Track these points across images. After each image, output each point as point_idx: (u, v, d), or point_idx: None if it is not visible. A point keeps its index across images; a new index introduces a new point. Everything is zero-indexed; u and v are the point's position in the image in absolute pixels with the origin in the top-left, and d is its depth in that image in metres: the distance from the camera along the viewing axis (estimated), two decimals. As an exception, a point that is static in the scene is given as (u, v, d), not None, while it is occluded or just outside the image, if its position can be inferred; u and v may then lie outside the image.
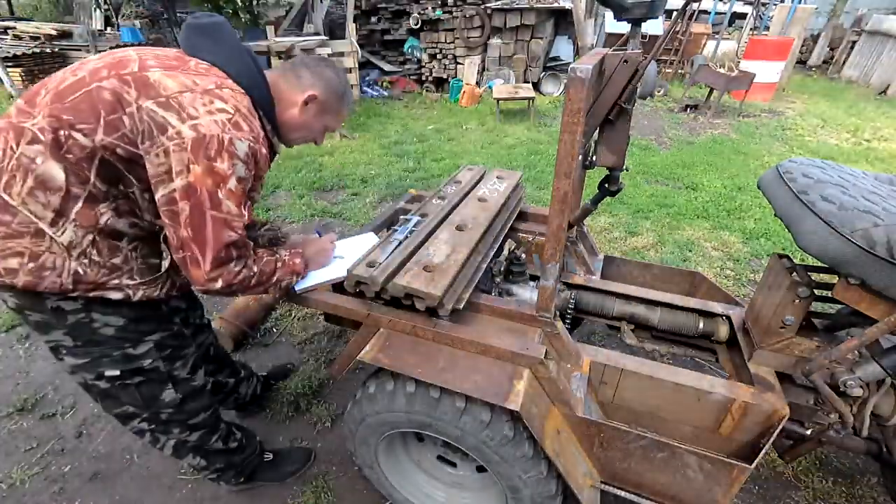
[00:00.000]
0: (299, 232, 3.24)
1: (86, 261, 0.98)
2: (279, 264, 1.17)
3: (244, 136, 0.95)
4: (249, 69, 1.04)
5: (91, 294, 1.02)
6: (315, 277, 1.33)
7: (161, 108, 0.89)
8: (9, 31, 7.05)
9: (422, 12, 6.90)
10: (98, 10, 8.99)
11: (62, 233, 0.95)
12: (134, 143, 0.91)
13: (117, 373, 1.13)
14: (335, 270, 1.34)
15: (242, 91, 1.01)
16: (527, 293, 1.49)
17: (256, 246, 1.44)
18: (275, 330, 2.36)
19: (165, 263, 1.10)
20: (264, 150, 1.02)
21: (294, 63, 1.14)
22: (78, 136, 0.89)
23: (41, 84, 0.96)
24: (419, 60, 7.43)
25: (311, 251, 1.34)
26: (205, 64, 1.00)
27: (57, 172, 0.90)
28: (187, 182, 0.90)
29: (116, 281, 1.03)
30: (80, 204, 0.94)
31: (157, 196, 0.94)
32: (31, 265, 0.95)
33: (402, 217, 1.41)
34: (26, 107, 0.93)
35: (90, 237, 0.97)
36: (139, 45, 7.19)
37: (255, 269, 1.09)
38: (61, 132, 0.89)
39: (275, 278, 1.15)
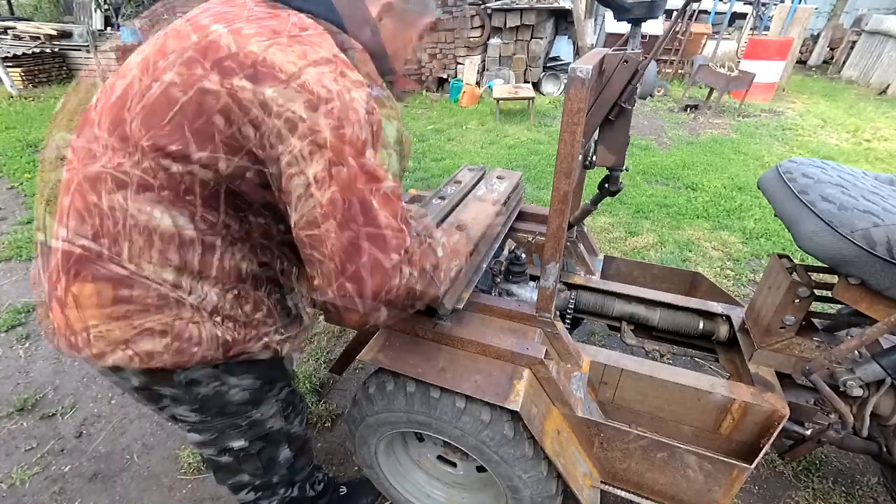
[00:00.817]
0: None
1: (230, 324, 0.80)
2: (442, 254, 0.91)
3: (361, 89, 0.68)
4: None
5: (240, 358, 0.84)
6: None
7: (282, 95, 0.64)
8: (9, 31, 7.05)
9: (422, 12, 6.89)
10: (98, 10, 8.99)
11: (204, 298, 0.76)
12: (261, 161, 0.68)
13: (244, 443, 0.98)
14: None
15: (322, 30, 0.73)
16: (527, 293, 1.49)
17: None
18: (275, 330, 2.36)
19: (302, 306, 0.92)
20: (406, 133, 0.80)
21: None
22: (195, 167, 0.67)
23: (106, 95, 0.72)
24: (419, 60, 7.42)
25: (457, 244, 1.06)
26: (295, 15, 0.72)
27: (183, 222, 0.70)
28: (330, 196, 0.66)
29: (266, 339, 0.85)
30: (216, 256, 0.75)
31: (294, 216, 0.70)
32: (175, 344, 0.76)
33: None
34: (112, 139, 0.69)
35: (233, 293, 0.79)
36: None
37: (428, 276, 0.82)
38: (174, 168, 0.67)
39: (442, 274, 0.88)
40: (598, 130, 1.20)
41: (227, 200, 0.72)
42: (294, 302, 0.93)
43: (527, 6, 6.39)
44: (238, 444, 0.98)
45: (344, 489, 1.53)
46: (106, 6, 9.08)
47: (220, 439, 0.96)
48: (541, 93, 6.97)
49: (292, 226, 0.70)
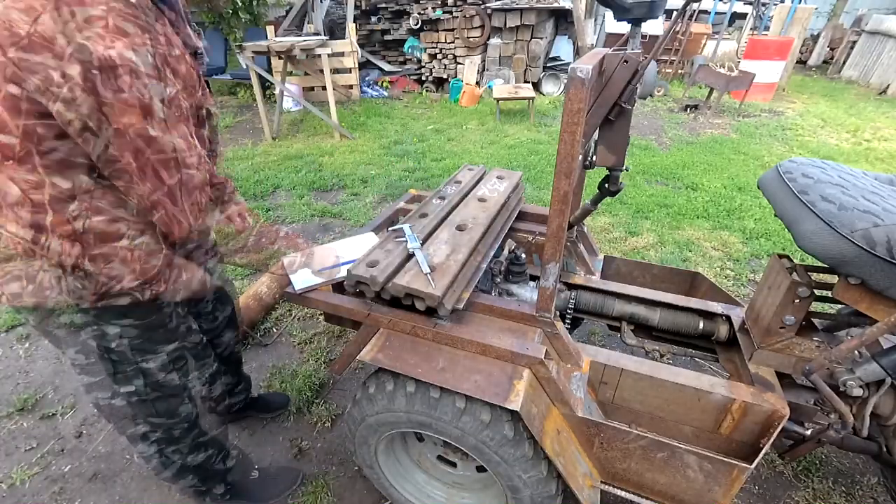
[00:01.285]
0: (300, 231, 3.24)
1: (81, 272, 0.88)
2: (281, 235, 1.18)
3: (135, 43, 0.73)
4: None
5: (100, 304, 0.93)
6: (315, 277, 1.33)
7: (27, 51, 0.69)
8: (9, 31, 7.02)
9: (422, 12, 6.90)
10: (98, 10, 8.97)
11: (47, 249, 0.84)
12: (46, 112, 0.73)
13: (132, 388, 1.07)
14: (335, 270, 1.34)
15: None
16: (527, 293, 1.49)
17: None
18: (275, 330, 2.36)
19: (156, 244, 0.95)
20: (175, 51, 0.82)
21: None
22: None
23: None
24: (419, 60, 7.43)
25: (314, 252, 1.35)
26: None
27: (5, 184, 0.79)
28: (114, 131, 0.74)
29: (120, 286, 0.92)
30: (50, 215, 0.82)
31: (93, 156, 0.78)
32: (29, 287, 0.88)
33: (393, 230, 1.38)
34: None
35: (78, 248, 0.86)
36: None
37: (250, 221, 1.09)
38: None
39: (276, 246, 1.16)
40: (598, 130, 1.20)
41: (41, 159, 0.78)
42: (152, 247, 0.96)
43: (527, 6, 6.38)
44: (127, 388, 1.06)
45: (256, 473, 1.56)
46: (106, 6, 9.05)
47: (108, 381, 1.04)
48: (541, 93, 6.97)
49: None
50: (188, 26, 0.94)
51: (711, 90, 6.16)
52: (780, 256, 1.20)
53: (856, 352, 1.04)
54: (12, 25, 0.69)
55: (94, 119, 0.73)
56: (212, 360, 1.25)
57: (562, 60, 6.93)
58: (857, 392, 1.06)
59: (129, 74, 0.72)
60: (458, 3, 6.72)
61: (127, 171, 0.79)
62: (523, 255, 1.52)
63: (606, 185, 1.31)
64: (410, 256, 1.25)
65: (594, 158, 1.25)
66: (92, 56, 0.69)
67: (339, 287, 1.34)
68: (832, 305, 1.20)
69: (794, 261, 1.20)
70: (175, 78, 0.82)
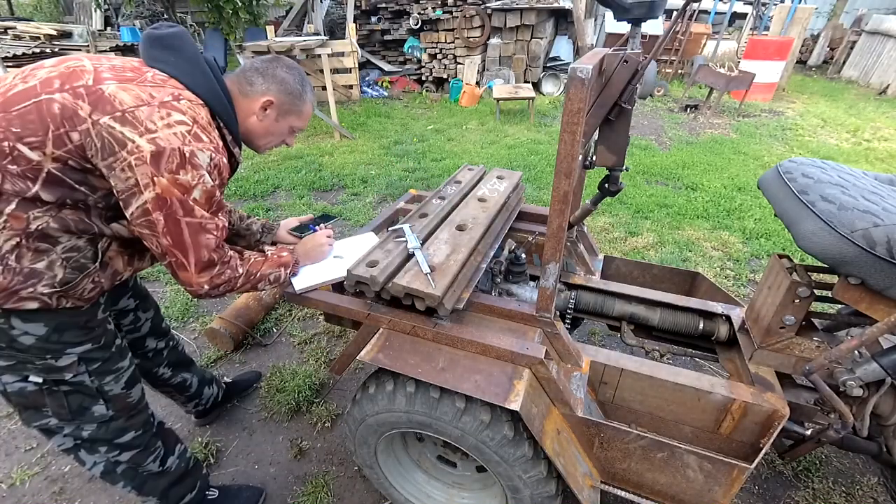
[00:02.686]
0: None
1: (0, 267, 0.92)
2: (266, 261, 1.21)
3: (205, 146, 0.96)
4: (208, 80, 1.04)
5: (6, 305, 0.95)
6: (315, 277, 1.33)
7: (118, 122, 0.89)
8: (9, 31, 7.04)
9: (422, 12, 6.90)
10: (98, 10, 8.99)
11: None
12: (86, 158, 0.91)
13: (41, 380, 1.07)
14: (335, 270, 1.35)
15: (201, 102, 1.02)
16: (527, 293, 1.49)
17: (249, 238, 1.46)
18: (275, 330, 2.36)
19: (93, 267, 1.03)
20: (225, 160, 1.03)
21: (244, 69, 1.13)
22: (24, 148, 0.87)
23: None
24: (419, 60, 7.43)
25: (304, 247, 1.37)
26: (162, 75, 0.99)
27: None
28: (156, 194, 0.92)
29: (30, 289, 0.95)
30: (12, 206, 0.90)
31: (130, 210, 0.95)
32: None
33: (393, 230, 1.38)
34: None
35: (14, 241, 0.92)
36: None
37: (242, 269, 1.13)
38: (5, 143, 0.87)
39: (260, 273, 1.18)
40: (598, 130, 1.20)
41: (48, 178, 0.90)
42: (95, 264, 1.04)
43: (527, 6, 6.39)
44: (35, 378, 1.06)
45: (215, 492, 1.51)
46: (106, 6, 9.08)
47: (19, 367, 1.04)
48: (541, 93, 6.97)
49: (129, 213, 0.96)
50: (239, 149, 1.18)
51: (711, 90, 6.16)
52: (780, 256, 1.20)
53: (856, 352, 1.04)
54: (116, 101, 0.90)
55: (143, 183, 0.91)
56: (128, 364, 1.22)
57: (562, 60, 6.93)
58: (857, 392, 1.06)
59: (191, 164, 0.94)
60: (458, 3, 6.72)
61: (155, 224, 0.95)
62: (523, 255, 1.52)
63: (606, 185, 1.31)
64: (410, 256, 1.25)
65: (594, 158, 1.25)
66: (168, 145, 0.91)
67: (339, 287, 1.34)
68: (832, 305, 1.20)
69: (794, 261, 1.20)
70: (219, 176, 1.03)
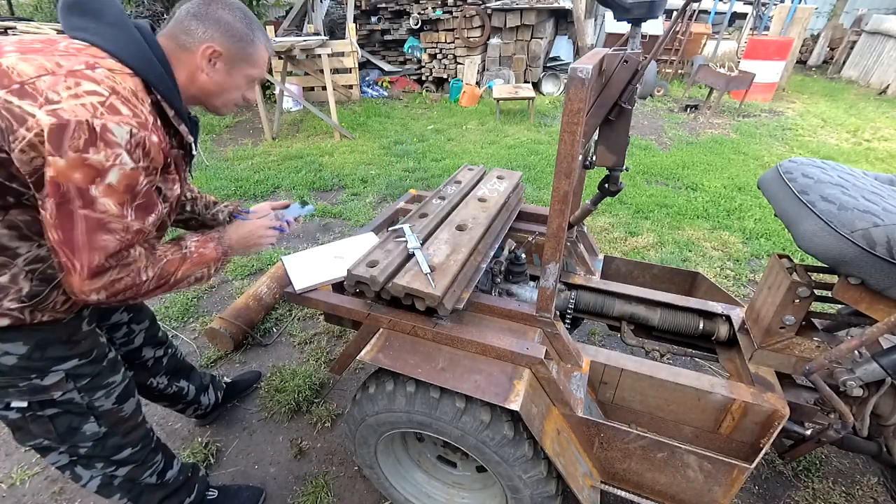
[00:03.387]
0: (299, 232, 3.24)
1: None
2: (184, 260, 1.02)
3: (123, 120, 0.80)
4: (137, 45, 0.88)
5: None
6: (315, 277, 1.33)
7: (15, 96, 0.75)
8: (9, 31, 7.04)
9: (422, 12, 6.90)
10: (98, 10, 8.97)
11: None
12: None
13: (25, 404, 0.99)
14: (335, 270, 1.35)
15: (128, 72, 0.86)
16: (527, 293, 1.49)
17: (203, 226, 1.31)
18: (275, 330, 2.36)
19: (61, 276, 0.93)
20: (154, 139, 0.85)
21: (178, 17, 0.94)
22: None
23: None
24: (419, 60, 7.43)
25: (237, 233, 1.18)
26: (79, 44, 0.85)
27: None
28: (50, 176, 0.77)
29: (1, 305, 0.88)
30: None
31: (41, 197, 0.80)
32: None
33: (393, 230, 1.38)
34: None
35: None
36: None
37: (151, 272, 0.93)
38: None
39: (180, 274, 1.00)
40: (598, 130, 1.20)
41: None
42: (48, 273, 0.93)
43: (527, 6, 6.39)
44: (19, 403, 0.99)
45: (214, 492, 1.50)
46: (106, 6, 9.06)
47: (1, 394, 0.97)
48: (541, 93, 6.97)
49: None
50: (186, 125, 1.00)
51: (711, 90, 6.16)
52: (780, 256, 1.20)
53: (856, 352, 1.04)
54: (14, 73, 0.77)
55: (44, 160, 0.77)
56: (121, 378, 1.16)
57: (562, 60, 6.93)
58: (857, 392, 1.06)
59: (103, 141, 0.78)
60: (458, 3, 6.72)
61: (46, 212, 0.80)
62: (523, 255, 1.52)
63: (606, 185, 1.31)
64: (410, 256, 1.25)
65: (594, 158, 1.25)
66: (73, 118, 0.76)
67: (339, 287, 1.34)
68: (832, 305, 1.20)
69: (794, 261, 1.20)
70: (146, 157, 0.85)
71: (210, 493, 1.49)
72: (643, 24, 1.08)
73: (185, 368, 1.64)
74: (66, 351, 1.02)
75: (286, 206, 1.37)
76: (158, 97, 0.91)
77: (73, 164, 0.76)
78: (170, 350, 1.55)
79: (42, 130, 0.75)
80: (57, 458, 1.11)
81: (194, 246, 1.05)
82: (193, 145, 1.05)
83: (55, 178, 0.77)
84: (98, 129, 0.77)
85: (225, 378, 1.97)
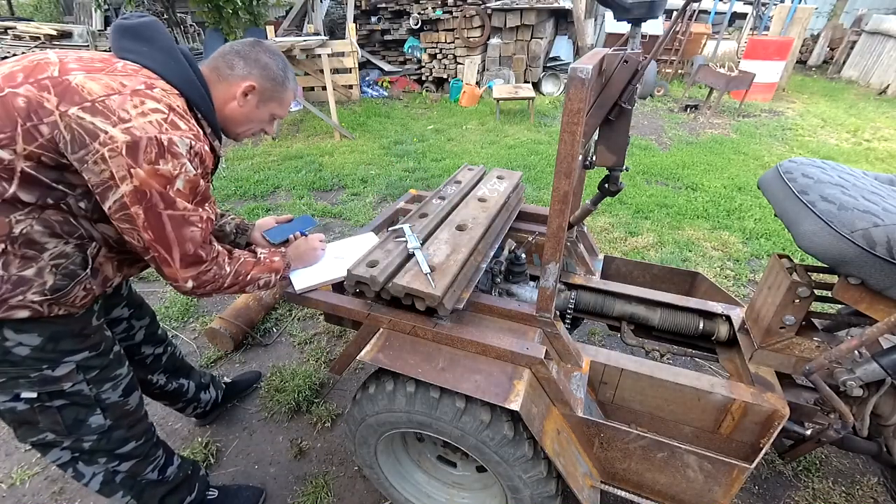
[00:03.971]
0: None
1: None
2: (257, 264, 1.17)
3: (184, 134, 0.92)
4: (182, 69, 1.00)
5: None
6: (315, 277, 1.33)
7: (88, 113, 0.84)
8: (9, 31, 7.04)
9: (422, 12, 6.90)
10: (98, 11, 8.99)
11: None
12: (59, 152, 0.86)
13: (34, 395, 1.03)
14: (335, 270, 1.35)
15: (176, 92, 0.98)
16: (527, 293, 1.49)
17: (222, 239, 1.41)
18: (275, 330, 2.36)
19: (84, 274, 0.99)
20: (207, 148, 0.99)
21: (224, 52, 1.09)
22: None
23: None
24: (419, 60, 7.43)
25: (297, 251, 1.35)
26: (133, 65, 0.96)
27: None
28: (133, 187, 0.87)
29: (20, 297, 0.92)
30: None
31: (107, 204, 0.90)
32: None
33: (393, 230, 1.38)
34: None
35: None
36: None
37: (229, 268, 1.09)
38: None
39: (250, 276, 1.14)
40: (598, 130, 1.20)
41: (23, 178, 0.86)
42: (85, 271, 1.00)
43: (527, 6, 6.39)
44: (28, 394, 1.02)
45: (214, 492, 1.50)
46: (106, 6, 9.08)
47: (10, 385, 1.00)
48: (541, 93, 6.97)
49: (107, 208, 0.91)
50: (219, 142, 1.14)
51: (711, 90, 6.16)
52: (780, 256, 1.20)
53: (856, 352, 1.04)
54: (84, 91, 0.85)
55: (120, 176, 0.86)
56: (126, 371, 1.19)
57: (562, 60, 6.93)
58: (857, 392, 1.06)
59: (170, 153, 0.89)
60: (458, 3, 6.72)
61: (134, 219, 0.91)
62: (523, 255, 1.52)
63: (606, 185, 1.31)
64: (410, 256, 1.25)
65: (594, 158, 1.25)
66: (144, 134, 0.86)
67: (339, 287, 1.34)
68: (832, 305, 1.20)
69: (794, 261, 1.19)
70: (202, 165, 0.98)
71: (210, 492, 1.50)
72: (643, 24, 1.08)
73: (184, 367, 1.65)
74: (77, 343, 1.06)
75: (289, 220, 1.52)
76: (199, 115, 1.04)
77: (150, 174, 0.87)
78: (169, 348, 1.56)
79: (117, 146, 0.84)
80: (59, 454, 1.13)
81: (265, 255, 1.22)
82: (220, 158, 1.19)
83: (139, 186, 0.88)
84: (165, 143, 0.88)
85: (225, 378, 1.97)
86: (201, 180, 0.98)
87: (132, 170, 0.86)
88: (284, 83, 1.13)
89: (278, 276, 1.23)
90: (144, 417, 1.27)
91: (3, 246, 0.89)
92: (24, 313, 0.94)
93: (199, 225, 0.98)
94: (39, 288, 0.94)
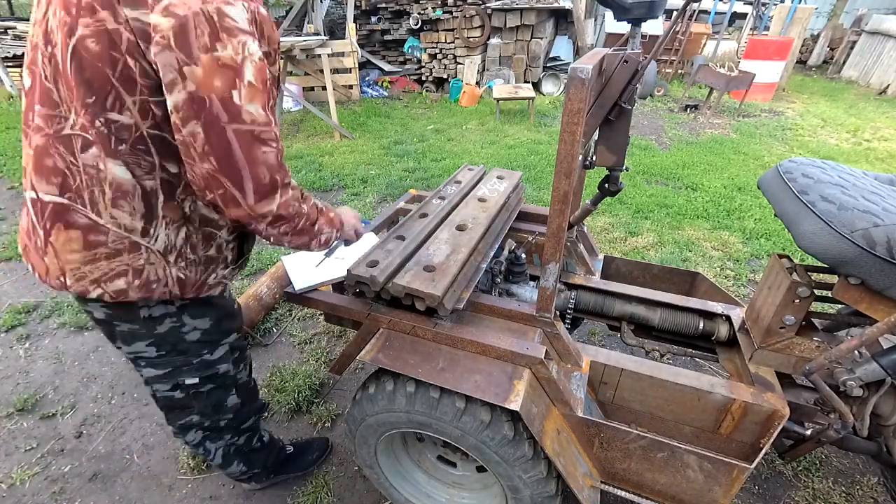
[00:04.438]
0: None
1: (183, 263, 0.89)
2: (321, 213, 0.97)
3: None
4: None
5: (199, 296, 0.94)
6: (316, 277, 1.33)
7: (129, 7, 0.67)
8: (9, 31, 7.04)
9: (422, 12, 6.90)
10: (98, 10, 8.97)
11: (155, 240, 0.85)
12: (159, 85, 0.70)
13: (196, 381, 1.07)
14: (335, 270, 1.35)
15: None
16: (527, 293, 1.49)
17: None
18: (275, 330, 2.36)
19: (247, 245, 1.00)
20: (263, 10, 0.77)
21: None
22: (113, 115, 0.72)
23: (32, 74, 0.78)
24: (419, 60, 7.43)
25: (346, 215, 1.14)
26: None
27: (121, 171, 0.77)
28: (188, 94, 0.68)
29: (214, 275, 0.94)
30: (161, 197, 0.81)
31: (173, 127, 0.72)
32: (136, 282, 0.87)
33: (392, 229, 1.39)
34: (49, 110, 0.76)
35: (183, 233, 0.86)
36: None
37: (305, 207, 0.89)
38: (97, 121, 0.72)
39: (317, 226, 0.95)
40: (598, 130, 1.20)
41: (154, 141, 0.77)
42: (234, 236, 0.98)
43: (527, 6, 6.39)
44: (190, 380, 1.06)
45: (290, 448, 1.62)
46: (106, 6, 9.05)
47: (174, 374, 1.04)
48: (541, 93, 6.97)
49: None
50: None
51: (711, 90, 6.16)
52: (780, 256, 1.20)
53: (856, 352, 1.04)
54: None
55: (169, 81, 0.68)
56: (246, 347, 1.28)
57: (562, 60, 6.93)
58: (857, 392, 1.06)
59: (224, 31, 0.68)
60: (458, 3, 6.72)
61: (191, 143, 0.71)
62: (523, 255, 1.52)
63: (606, 185, 1.31)
64: (411, 256, 1.25)
65: (594, 158, 1.25)
66: (188, 11, 0.66)
67: (339, 287, 1.34)
68: (832, 305, 1.20)
69: (794, 261, 1.19)
70: (262, 39, 0.75)
71: (288, 448, 1.62)
72: (643, 24, 1.08)
73: None
74: (232, 323, 1.11)
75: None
76: None
77: (210, 70, 0.67)
78: None
79: (166, 35, 0.66)
80: (194, 435, 1.20)
81: (322, 204, 1.01)
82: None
83: (196, 91, 0.68)
84: (215, 15, 0.68)
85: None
86: (266, 66, 0.75)
87: (185, 68, 0.67)
88: None
89: (336, 234, 1.04)
90: (258, 392, 1.35)
91: (184, 230, 0.87)
92: (218, 290, 0.97)
93: (273, 145, 0.77)
94: (224, 262, 0.95)
